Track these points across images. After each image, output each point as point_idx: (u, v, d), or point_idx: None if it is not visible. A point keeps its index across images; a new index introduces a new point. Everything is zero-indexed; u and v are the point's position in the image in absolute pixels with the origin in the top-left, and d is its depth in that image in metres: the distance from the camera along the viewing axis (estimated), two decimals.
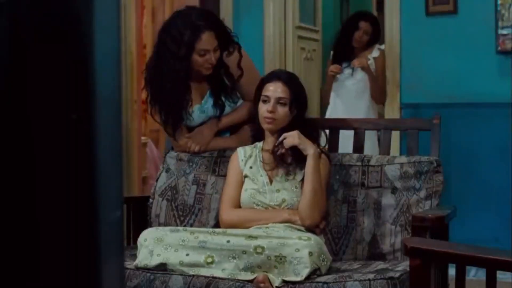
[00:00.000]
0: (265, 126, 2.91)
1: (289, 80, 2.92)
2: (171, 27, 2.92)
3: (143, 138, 5.36)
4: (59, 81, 0.85)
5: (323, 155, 2.90)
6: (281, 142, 2.83)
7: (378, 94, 4.68)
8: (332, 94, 4.83)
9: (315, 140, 2.92)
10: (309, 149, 2.77)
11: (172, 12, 3.31)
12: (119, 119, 0.92)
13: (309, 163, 2.76)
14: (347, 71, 4.75)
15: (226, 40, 3.00)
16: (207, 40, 2.90)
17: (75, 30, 0.85)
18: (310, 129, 2.94)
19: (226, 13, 4.88)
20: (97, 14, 0.86)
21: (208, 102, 3.09)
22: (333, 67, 4.77)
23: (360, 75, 4.71)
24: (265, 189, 2.86)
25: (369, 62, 4.72)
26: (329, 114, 4.80)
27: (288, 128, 2.89)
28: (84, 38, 0.85)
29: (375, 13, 6.84)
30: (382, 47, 4.73)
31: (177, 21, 2.92)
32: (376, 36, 4.82)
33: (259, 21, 4.88)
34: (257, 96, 2.93)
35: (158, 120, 3.09)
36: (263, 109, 2.88)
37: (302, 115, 2.94)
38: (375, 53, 4.75)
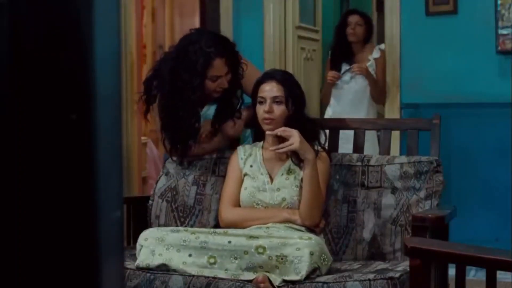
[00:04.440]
0: (265, 127, 2.91)
1: (283, 78, 2.93)
2: (183, 55, 2.92)
3: (143, 138, 5.36)
4: (59, 81, 0.85)
5: (323, 153, 2.90)
6: (281, 138, 2.81)
7: (378, 95, 4.66)
8: (333, 94, 4.80)
9: (315, 137, 2.92)
10: (308, 155, 2.75)
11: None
12: (119, 119, 0.92)
13: (307, 168, 2.75)
14: (347, 72, 4.72)
15: (236, 62, 3.01)
16: (218, 67, 2.93)
17: (75, 30, 0.85)
18: (310, 127, 2.94)
19: (226, 13, 4.88)
20: (97, 14, 0.86)
21: (210, 110, 3.10)
22: (332, 74, 4.75)
23: (360, 78, 4.69)
24: (265, 188, 2.86)
25: (369, 63, 4.68)
26: (330, 115, 4.78)
27: (288, 126, 2.89)
28: (84, 38, 0.85)
29: (375, 13, 6.86)
30: (382, 47, 4.70)
31: (188, 48, 2.92)
32: (370, 29, 4.83)
33: (259, 21, 4.88)
34: (254, 99, 2.94)
35: (166, 146, 3.10)
36: (261, 111, 2.89)
37: (301, 112, 2.93)
38: (375, 53, 4.71)
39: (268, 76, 2.95)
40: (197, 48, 2.90)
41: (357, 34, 4.74)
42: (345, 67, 4.74)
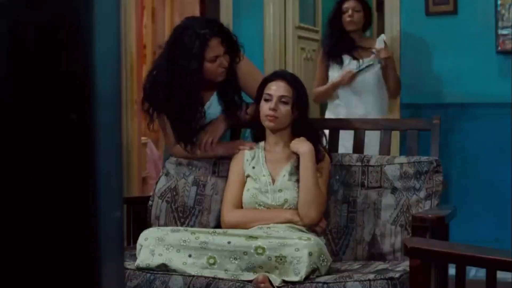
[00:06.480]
0: (266, 124, 2.91)
1: (292, 80, 2.94)
2: (178, 42, 2.93)
3: (143, 138, 5.36)
4: (59, 81, 0.85)
5: (323, 153, 2.90)
6: (281, 138, 2.84)
7: (395, 85, 4.22)
8: (340, 92, 4.22)
9: (317, 140, 2.92)
10: (300, 148, 2.77)
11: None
12: (119, 119, 0.92)
13: (301, 160, 2.77)
14: (352, 66, 4.18)
15: (233, 45, 3.01)
16: (215, 46, 2.93)
17: (75, 30, 0.85)
18: (312, 131, 2.95)
19: (226, 13, 4.87)
20: (97, 14, 0.86)
21: (210, 108, 3.10)
22: (347, 74, 4.11)
23: (366, 72, 4.18)
24: (267, 189, 2.86)
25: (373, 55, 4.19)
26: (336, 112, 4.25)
27: (290, 128, 2.91)
28: (84, 38, 0.85)
29: (375, 13, 6.80)
30: (384, 36, 4.28)
31: (182, 35, 2.93)
32: (368, 15, 4.28)
33: (259, 21, 4.87)
34: (259, 95, 2.94)
35: (170, 138, 3.10)
36: (265, 107, 2.89)
37: (304, 116, 2.94)
38: (379, 43, 4.20)
39: (278, 75, 2.97)
40: (191, 32, 2.91)
41: (355, 21, 4.20)
42: (346, 59, 4.21)
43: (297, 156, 2.84)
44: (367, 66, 4.17)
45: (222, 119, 3.12)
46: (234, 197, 2.91)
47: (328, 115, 4.28)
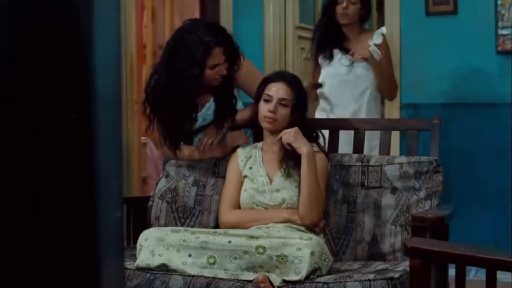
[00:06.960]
0: (264, 125, 2.91)
1: (293, 82, 2.93)
2: (180, 46, 2.92)
3: (143, 138, 5.36)
4: (59, 81, 0.85)
5: (320, 154, 2.90)
6: (280, 140, 2.83)
7: (388, 87, 3.91)
8: (326, 92, 3.93)
9: (314, 141, 2.92)
10: (303, 148, 2.77)
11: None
12: (119, 119, 0.92)
13: (304, 162, 2.76)
14: (344, 61, 3.87)
15: (234, 53, 3.01)
16: (217, 55, 2.93)
17: (75, 30, 0.85)
18: (309, 131, 2.94)
19: (226, 13, 4.88)
20: (97, 14, 0.86)
21: (210, 110, 3.10)
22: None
23: (360, 68, 3.86)
24: (264, 189, 2.86)
25: (371, 48, 3.77)
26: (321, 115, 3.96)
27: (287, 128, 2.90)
28: (84, 38, 0.85)
29: (375, 13, 6.77)
30: (384, 30, 3.94)
31: (185, 38, 2.92)
32: (366, 7, 3.92)
33: (259, 21, 4.88)
34: (259, 95, 2.93)
35: (158, 138, 3.10)
36: (264, 108, 2.89)
37: (302, 117, 2.94)
38: (376, 39, 3.79)
39: (279, 76, 2.96)
40: (195, 37, 2.89)
41: (350, 14, 3.82)
42: (337, 55, 3.88)
43: (286, 150, 2.82)
44: (340, 58, 3.84)
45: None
46: (232, 197, 2.91)
47: (318, 115, 3.99)
